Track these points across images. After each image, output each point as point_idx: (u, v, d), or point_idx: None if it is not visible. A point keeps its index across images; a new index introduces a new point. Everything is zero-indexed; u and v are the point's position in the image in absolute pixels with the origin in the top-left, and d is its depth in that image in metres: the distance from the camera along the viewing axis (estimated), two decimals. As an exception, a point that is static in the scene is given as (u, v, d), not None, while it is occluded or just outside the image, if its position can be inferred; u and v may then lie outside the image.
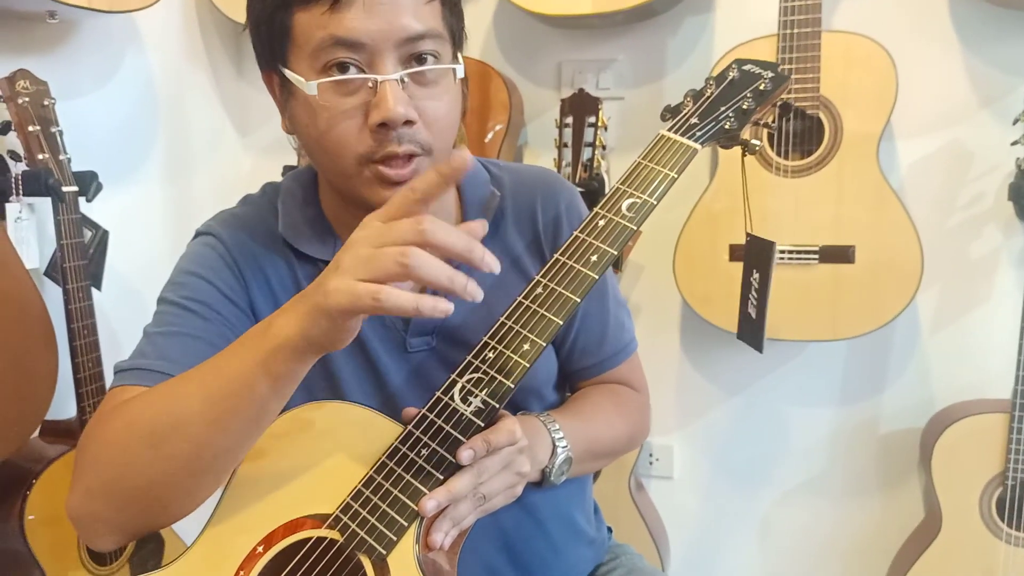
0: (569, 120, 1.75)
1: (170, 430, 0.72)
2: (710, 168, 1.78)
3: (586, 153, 1.74)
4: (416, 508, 0.70)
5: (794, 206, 1.65)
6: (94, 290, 1.51)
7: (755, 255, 1.05)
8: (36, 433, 1.50)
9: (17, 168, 1.43)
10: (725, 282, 1.70)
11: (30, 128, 1.42)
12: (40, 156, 1.42)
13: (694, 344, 1.98)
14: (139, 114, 1.92)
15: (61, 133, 1.46)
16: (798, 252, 1.65)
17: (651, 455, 2.03)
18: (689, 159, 0.87)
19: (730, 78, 0.92)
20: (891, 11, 1.73)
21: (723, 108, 0.90)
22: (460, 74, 0.82)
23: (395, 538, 0.70)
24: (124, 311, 1.85)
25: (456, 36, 0.83)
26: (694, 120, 0.89)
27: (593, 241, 0.82)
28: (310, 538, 0.73)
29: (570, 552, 0.98)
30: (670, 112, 0.93)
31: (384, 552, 0.70)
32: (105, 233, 1.60)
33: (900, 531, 1.83)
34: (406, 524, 0.71)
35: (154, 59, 1.94)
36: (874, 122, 1.60)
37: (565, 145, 1.76)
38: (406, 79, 0.77)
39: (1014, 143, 1.55)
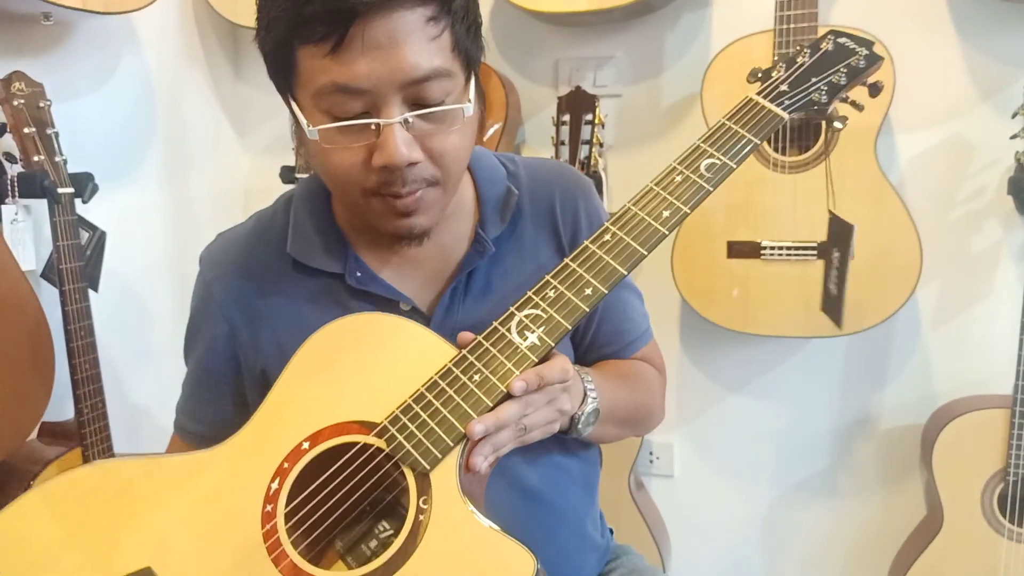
0: (566, 118, 1.75)
1: None
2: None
3: (583, 151, 1.74)
4: (464, 430, 0.72)
5: (792, 202, 1.64)
6: (91, 291, 1.51)
7: (836, 235, 1.03)
8: (34, 434, 1.50)
9: (13, 170, 1.44)
10: (723, 279, 1.70)
11: (25, 130, 1.42)
12: (36, 158, 1.42)
13: (693, 342, 1.97)
14: (136, 115, 1.92)
15: (57, 135, 1.46)
16: (796, 248, 1.64)
17: (651, 453, 2.03)
18: (774, 127, 0.85)
19: (824, 49, 0.90)
20: (888, 4, 1.72)
21: (815, 79, 0.88)
22: (469, 111, 0.78)
23: (440, 456, 0.72)
24: (123, 312, 1.85)
25: (471, 59, 0.79)
26: (784, 87, 0.87)
27: (668, 196, 0.81)
28: (356, 443, 0.75)
29: (578, 559, 0.98)
30: (760, 75, 0.90)
31: (428, 468, 0.72)
32: (103, 234, 1.60)
33: (902, 528, 1.82)
34: (451, 444, 0.72)
35: (151, 60, 1.94)
36: (871, 116, 1.59)
37: (562, 143, 1.75)
38: (411, 119, 0.74)
39: (1013, 137, 1.54)
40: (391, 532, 0.76)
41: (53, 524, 0.73)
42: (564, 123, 1.75)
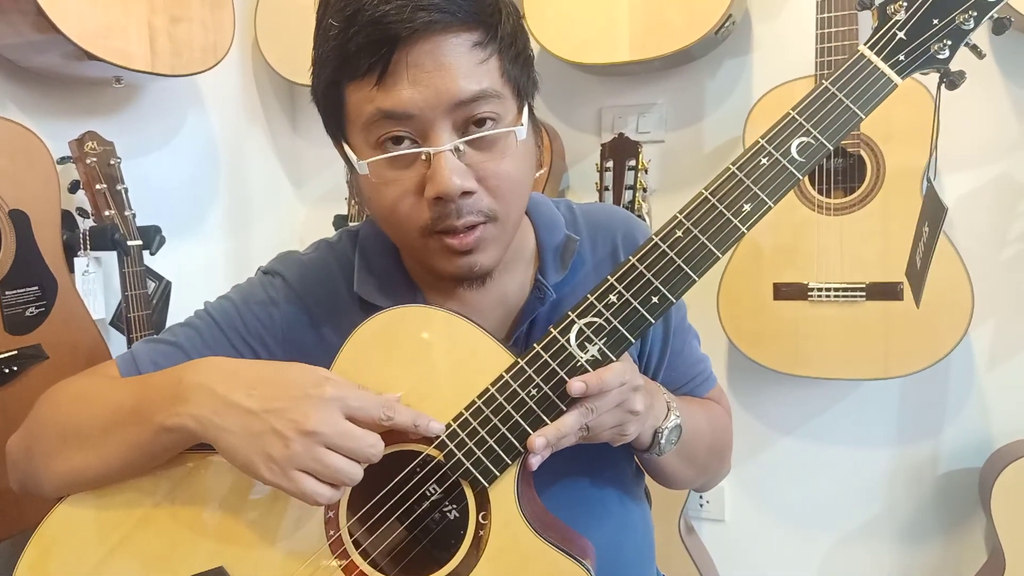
0: (609, 164, 1.78)
1: (72, 437, 0.77)
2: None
3: (627, 195, 1.77)
4: (521, 449, 0.71)
5: (839, 244, 1.64)
6: (156, 338, 1.57)
7: (929, 209, 0.95)
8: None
9: (85, 224, 1.52)
10: (771, 321, 1.70)
11: (97, 186, 1.51)
12: (106, 212, 1.51)
13: (742, 384, 1.96)
14: (200, 170, 2.01)
15: (126, 190, 1.55)
16: (844, 290, 1.64)
17: (701, 497, 2.01)
18: (884, 96, 0.72)
19: None
20: (931, 47, 1.73)
21: (937, 23, 0.73)
22: (522, 135, 0.75)
23: (498, 473, 0.72)
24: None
25: (522, 89, 0.77)
26: (902, 36, 0.72)
27: (751, 185, 0.70)
28: (417, 453, 0.73)
29: None
30: (876, 9, 0.74)
31: (486, 484, 0.72)
32: (168, 284, 1.67)
33: (962, 574, 1.77)
34: (510, 463, 0.71)
35: (214, 118, 2.04)
36: (917, 157, 1.60)
37: (606, 188, 1.79)
38: (462, 146, 0.72)
39: (1063, 175, 1.53)
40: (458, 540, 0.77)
41: (121, 516, 0.74)
42: (608, 169, 1.79)
